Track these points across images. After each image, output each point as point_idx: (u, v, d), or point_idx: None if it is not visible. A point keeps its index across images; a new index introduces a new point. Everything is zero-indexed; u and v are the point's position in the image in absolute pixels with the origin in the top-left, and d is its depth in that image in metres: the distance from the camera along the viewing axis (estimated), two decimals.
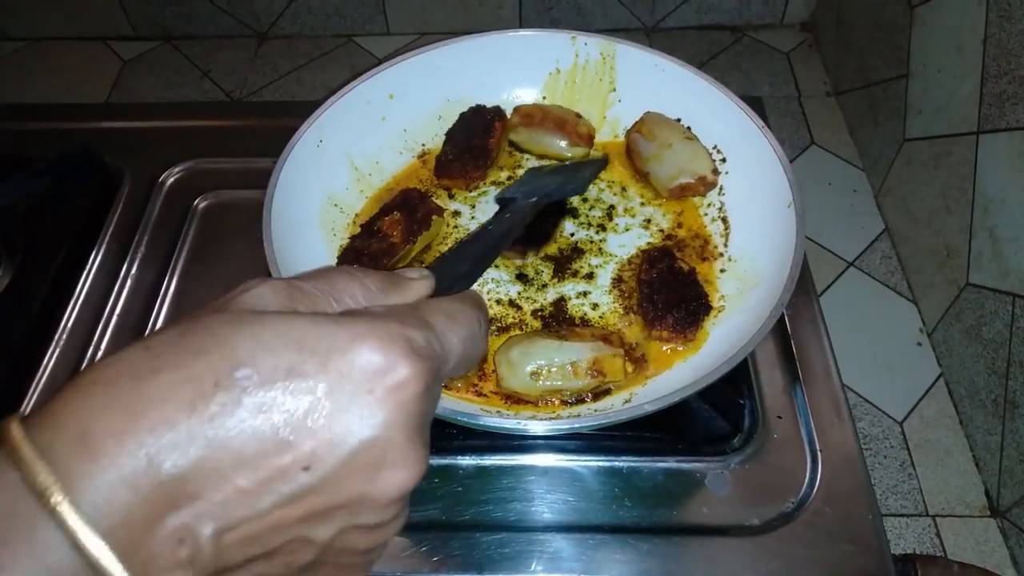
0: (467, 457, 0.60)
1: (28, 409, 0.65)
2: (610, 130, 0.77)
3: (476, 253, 0.45)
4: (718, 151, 0.70)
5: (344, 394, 0.26)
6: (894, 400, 0.87)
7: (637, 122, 0.73)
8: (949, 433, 0.84)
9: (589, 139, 0.73)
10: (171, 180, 0.81)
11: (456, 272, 0.41)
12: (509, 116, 0.75)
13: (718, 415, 0.61)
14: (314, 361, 0.26)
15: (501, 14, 1.27)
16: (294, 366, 0.25)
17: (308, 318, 0.27)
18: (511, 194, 0.63)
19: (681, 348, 0.60)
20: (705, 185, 0.68)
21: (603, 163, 0.71)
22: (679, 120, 0.72)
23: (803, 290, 0.70)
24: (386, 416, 0.26)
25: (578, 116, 0.74)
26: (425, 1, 1.26)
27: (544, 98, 0.78)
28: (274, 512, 0.25)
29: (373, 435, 0.26)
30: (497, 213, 0.55)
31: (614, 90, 0.76)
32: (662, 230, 0.69)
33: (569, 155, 0.73)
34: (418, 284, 0.34)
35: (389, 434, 0.26)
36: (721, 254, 0.67)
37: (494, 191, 0.72)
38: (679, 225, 0.69)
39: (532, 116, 0.74)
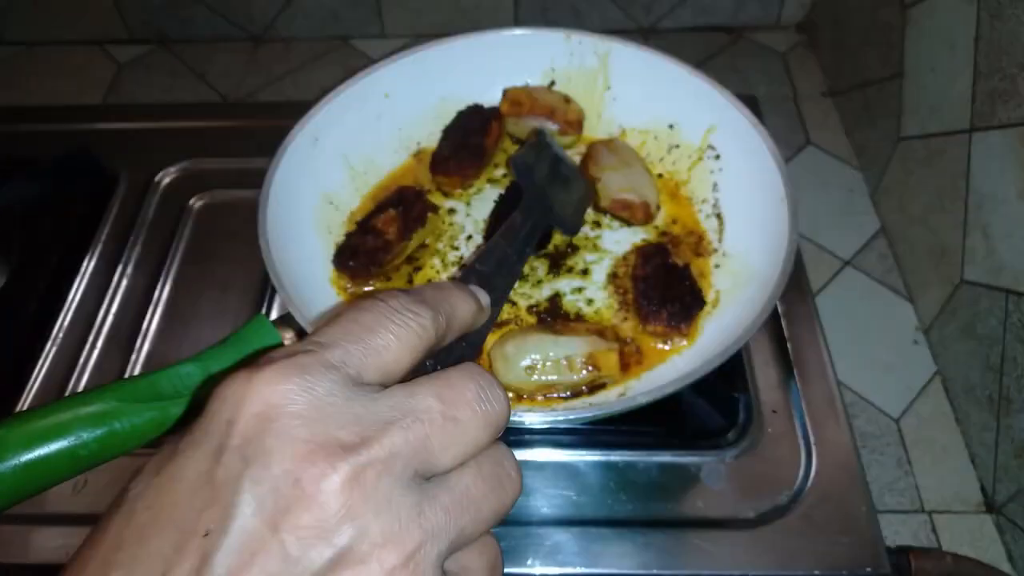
0: None
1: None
2: (605, 129, 0.77)
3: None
4: (712, 148, 0.70)
5: (210, 453, 0.24)
6: (890, 398, 0.87)
7: (607, 139, 0.73)
8: (945, 430, 0.84)
9: (579, 125, 0.74)
10: (166, 180, 0.81)
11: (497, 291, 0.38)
12: (499, 103, 0.76)
13: (713, 410, 0.62)
14: (181, 440, 0.25)
15: (497, 16, 1.27)
16: (167, 454, 0.24)
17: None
18: (523, 161, 0.60)
19: (675, 343, 0.60)
20: (645, 214, 0.68)
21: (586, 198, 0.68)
22: (671, 126, 0.73)
23: (797, 286, 0.70)
24: (255, 442, 0.23)
25: (567, 101, 0.75)
26: (421, 4, 1.26)
27: None
28: None
29: (254, 466, 0.23)
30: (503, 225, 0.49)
31: (609, 88, 0.76)
32: (656, 227, 0.69)
33: (559, 142, 0.74)
34: (476, 316, 0.31)
35: (267, 454, 0.23)
36: (715, 250, 0.67)
37: (490, 189, 0.72)
38: (674, 222, 0.70)
39: (521, 104, 0.74)
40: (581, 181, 0.65)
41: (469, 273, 0.37)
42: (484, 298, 0.32)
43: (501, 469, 0.26)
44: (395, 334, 0.26)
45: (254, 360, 0.25)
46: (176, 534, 0.22)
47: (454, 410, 0.25)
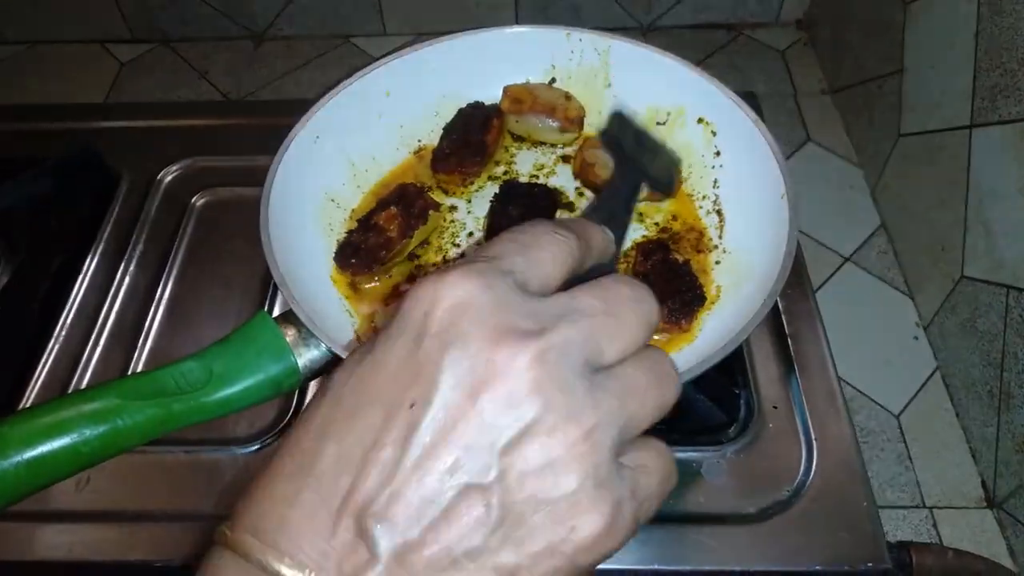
0: None
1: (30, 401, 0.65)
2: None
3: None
4: (713, 145, 0.71)
5: (410, 340, 0.27)
6: (891, 394, 0.87)
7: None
8: (946, 425, 0.84)
9: (579, 122, 0.74)
10: (168, 178, 0.82)
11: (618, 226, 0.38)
12: (500, 100, 0.76)
13: (714, 405, 0.62)
14: (380, 333, 0.28)
15: (498, 15, 1.28)
16: (370, 344, 0.28)
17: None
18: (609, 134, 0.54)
19: (675, 338, 0.60)
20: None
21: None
22: (669, 113, 0.73)
23: (798, 282, 0.71)
24: (453, 329, 0.26)
25: (568, 98, 0.75)
26: (421, 2, 1.27)
27: None
28: (418, 467, 0.25)
29: (452, 349, 0.26)
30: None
31: (609, 85, 0.76)
32: (657, 223, 0.69)
33: (560, 139, 0.74)
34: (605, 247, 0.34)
35: (465, 339, 0.26)
36: (716, 246, 0.67)
37: (491, 186, 0.73)
38: (674, 218, 0.70)
39: (521, 101, 0.74)
40: (666, 149, 0.63)
41: (590, 215, 0.38)
42: (609, 233, 0.35)
43: (661, 367, 0.29)
44: (549, 251, 0.29)
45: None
46: (383, 409, 0.26)
47: (614, 308, 0.28)
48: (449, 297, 0.26)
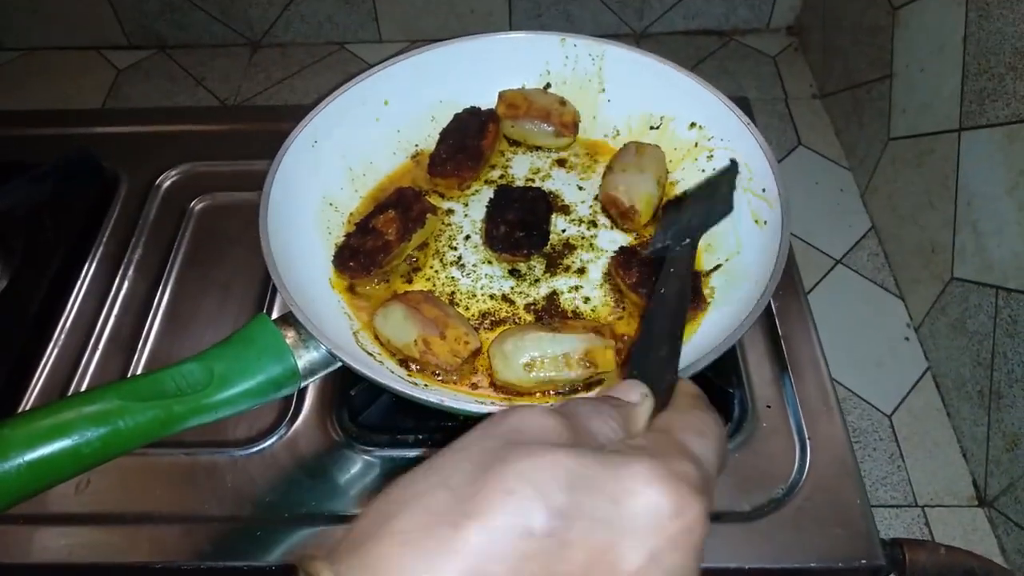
0: None
1: (30, 401, 0.65)
2: (600, 130, 0.78)
3: (667, 330, 0.43)
4: (705, 148, 0.72)
5: (641, 537, 0.26)
6: (883, 394, 0.88)
7: (647, 144, 0.73)
8: (937, 425, 0.85)
9: (574, 127, 0.75)
10: (167, 183, 0.82)
11: (659, 360, 0.40)
12: (495, 105, 0.77)
13: None
14: (612, 506, 0.26)
15: (491, 21, 1.29)
16: (595, 512, 0.26)
17: (598, 456, 0.27)
18: (661, 243, 0.57)
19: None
20: (626, 216, 0.69)
21: (734, 169, 0.62)
22: (663, 118, 0.74)
23: (790, 284, 0.71)
24: (681, 559, 0.26)
25: (562, 103, 0.76)
26: (416, 9, 1.28)
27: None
28: None
29: None
30: (660, 272, 0.50)
31: (603, 91, 0.77)
32: (647, 228, 0.70)
33: (555, 144, 0.75)
34: (643, 408, 0.34)
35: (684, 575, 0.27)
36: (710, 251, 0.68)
37: (487, 190, 0.73)
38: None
39: (517, 106, 0.75)
40: (717, 184, 0.62)
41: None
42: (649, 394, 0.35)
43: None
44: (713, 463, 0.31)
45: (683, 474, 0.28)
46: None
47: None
48: (690, 532, 0.27)
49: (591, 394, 0.38)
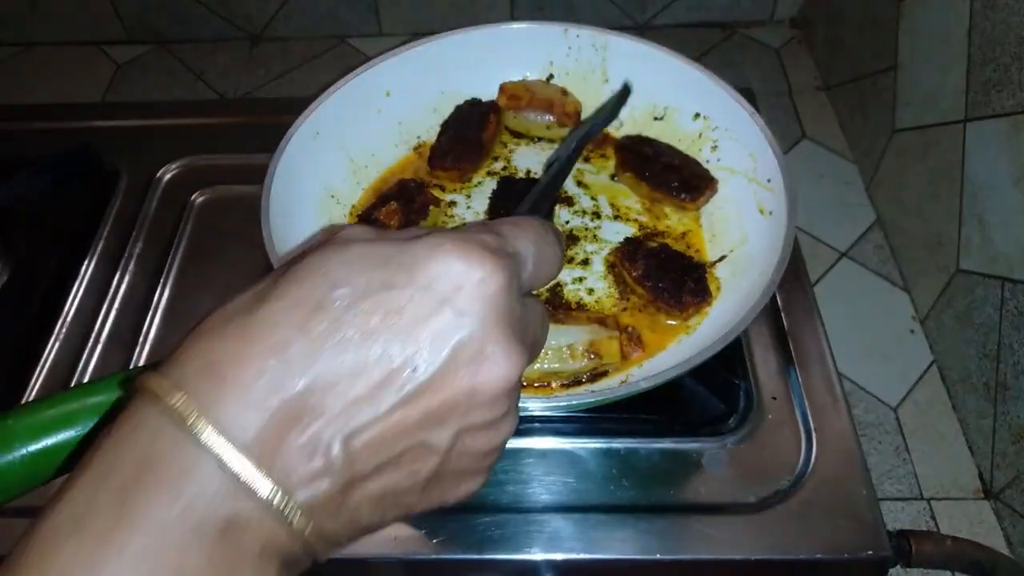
0: None
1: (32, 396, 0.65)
2: None
3: (538, 191, 0.53)
4: (710, 139, 0.71)
5: (435, 298, 0.28)
6: (888, 387, 0.88)
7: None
8: (942, 418, 0.85)
9: (576, 116, 0.75)
10: (168, 176, 0.82)
11: (524, 201, 0.50)
12: (496, 96, 0.76)
13: (714, 396, 0.62)
14: (402, 273, 0.28)
15: (492, 14, 1.28)
16: (385, 280, 0.28)
17: (390, 240, 0.30)
18: (555, 156, 0.65)
19: (675, 328, 0.61)
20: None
21: (626, 92, 0.69)
22: (666, 108, 0.73)
23: (796, 276, 0.71)
24: (476, 312, 0.28)
25: (564, 93, 0.75)
26: (417, 2, 1.27)
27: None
28: (393, 415, 0.28)
29: (469, 331, 0.28)
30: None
31: (607, 81, 0.76)
32: (641, 222, 0.70)
33: (558, 135, 0.75)
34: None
35: (484, 328, 0.28)
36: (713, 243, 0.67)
37: (490, 182, 0.73)
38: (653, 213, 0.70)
39: (519, 97, 0.75)
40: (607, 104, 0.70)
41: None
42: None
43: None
44: (549, 267, 0.35)
45: (474, 235, 0.30)
46: (384, 353, 0.27)
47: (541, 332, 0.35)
48: (484, 282, 0.29)
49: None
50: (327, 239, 0.31)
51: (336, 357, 0.27)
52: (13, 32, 1.30)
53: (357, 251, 0.29)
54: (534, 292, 0.37)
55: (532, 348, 0.33)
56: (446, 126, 0.75)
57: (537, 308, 0.34)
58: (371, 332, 0.27)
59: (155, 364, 0.28)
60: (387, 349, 0.27)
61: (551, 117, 0.74)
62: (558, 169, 0.57)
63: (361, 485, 0.28)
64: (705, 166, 0.70)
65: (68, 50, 1.31)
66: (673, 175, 0.68)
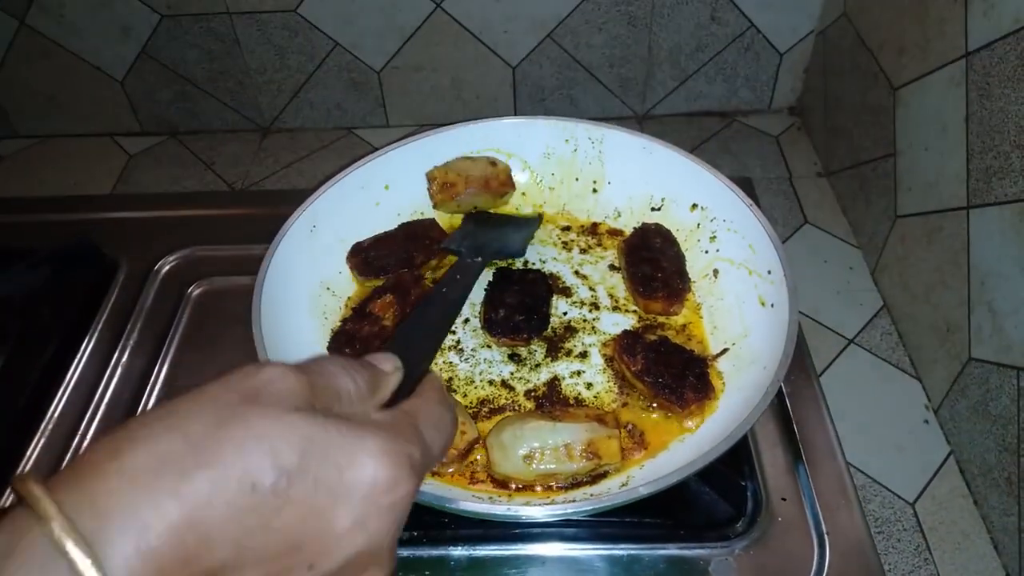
0: (459, 548, 0.57)
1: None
2: (601, 212, 0.78)
3: (435, 323, 0.50)
4: (708, 230, 0.71)
5: (354, 504, 0.29)
6: (904, 480, 0.84)
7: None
8: (964, 514, 0.81)
9: (511, 180, 0.76)
10: (166, 268, 0.82)
11: (422, 350, 0.44)
12: (428, 186, 0.76)
13: (720, 498, 0.59)
14: (336, 472, 0.28)
15: (497, 106, 1.31)
16: (319, 476, 0.28)
17: (333, 425, 0.30)
18: (456, 245, 0.69)
19: (678, 427, 0.59)
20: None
21: (538, 222, 0.76)
22: (664, 199, 0.73)
23: (801, 368, 0.69)
24: (384, 526, 0.30)
25: (493, 163, 0.75)
26: (423, 95, 1.30)
27: (539, 181, 0.79)
28: None
29: (370, 542, 0.29)
30: (447, 273, 0.63)
31: (604, 173, 0.77)
32: (638, 314, 0.69)
33: (500, 203, 0.77)
34: (393, 378, 0.36)
35: (382, 541, 0.30)
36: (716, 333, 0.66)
37: (487, 272, 0.72)
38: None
39: (454, 184, 0.74)
40: (517, 219, 0.75)
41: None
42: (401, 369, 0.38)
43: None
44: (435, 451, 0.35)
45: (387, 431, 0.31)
46: (283, 555, 0.28)
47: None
48: (404, 499, 0.30)
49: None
50: (261, 382, 0.30)
51: (248, 538, 0.27)
52: (31, 125, 1.34)
53: (302, 432, 0.28)
54: None
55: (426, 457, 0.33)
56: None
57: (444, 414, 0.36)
58: (288, 524, 0.27)
59: (59, 477, 0.27)
60: (294, 543, 0.28)
61: (491, 190, 0.75)
62: (462, 292, 0.58)
63: None
64: (704, 256, 0.69)
65: (83, 142, 1.34)
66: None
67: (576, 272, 0.72)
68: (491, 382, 0.63)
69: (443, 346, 0.66)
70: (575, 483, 0.56)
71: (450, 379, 0.64)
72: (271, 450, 0.27)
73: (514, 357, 0.65)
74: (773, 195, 1.17)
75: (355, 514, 0.29)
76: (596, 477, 0.56)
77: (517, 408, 0.61)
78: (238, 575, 0.27)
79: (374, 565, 0.30)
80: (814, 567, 0.56)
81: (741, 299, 0.65)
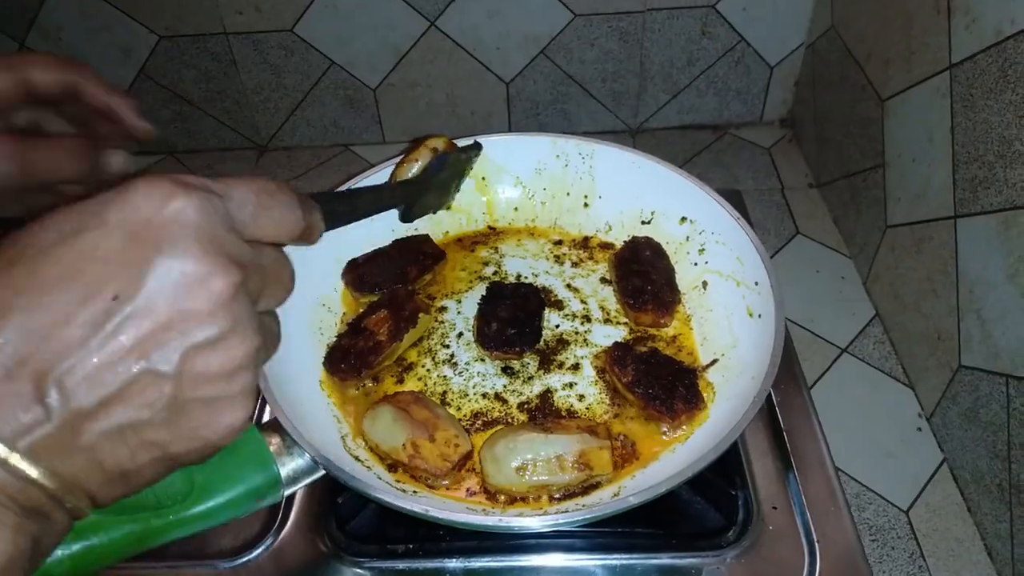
0: (455, 560, 0.58)
1: None
2: (592, 225, 0.79)
3: (359, 196, 0.57)
4: (697, 243, 0.72)
5: (127, 231, 0.29)
6: (898, 488, 0.85)
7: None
8: (958, 521, 0.81)
9: (451, 144, 0.74)
10: None
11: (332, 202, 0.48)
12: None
13: (711, 507, 0.60)
14: (92, 218, 0.29)
15: (491, 121, 1.32)
16: (76, 227, 0.29)
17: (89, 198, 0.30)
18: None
19: (668, 438, 0.59)
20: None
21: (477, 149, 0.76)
22: (653, 213, 0.75)
23: (791, 377, 0.70)
24: (170, 239, 0.29)
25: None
26: (419, 112, 1.32)
27: (531, 196, 0.80)
28: (104, 347, 0.28)
29: (166, 256, 0.29)
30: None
31: (594, 187, 0.78)
32: (628, 326, 0.70)
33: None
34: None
35: (182, 252, 0.29)
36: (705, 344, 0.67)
37: (480, 286, 0.73)
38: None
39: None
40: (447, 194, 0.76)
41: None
42: (321, 223, 0.38)
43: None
44: (278, 219, 0.35)
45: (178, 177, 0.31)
46: (83, 291, 0.28)
47: (280, 270, 0.36)
48: (176, 211, 0.30)
49: None
50: None
51: (35, 303, 0.28)
52: None
53: (50, 214, 0.30)
54: None
55: (262, 284, 0.33)
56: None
57: (272, 254, 0.35)
58: (66, 274, 0.28)
59: None
60: (86, 286, 0.28)
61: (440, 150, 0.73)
62: (375, 199, 0.61)
63: (89, 423, 0.29)
64: (693, 269, 0.70)
65: None
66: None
67: (568, 285, 0.73)
68: (485, 395, 0.64)
69: (437, 360, 0.67)
70: (568, 494, 0.56)
71: (444, 392, 0.64)
72: (19, 234, 0.29)
73: (507, 370, 0.66)
74: (765, 206, 1.18)
75: (131, 240, 0.29)
76: (588, 488, 0.57)
77: (510, 420, 0.62)
78: (41, 339, 0.28)
79: (194, 277, 0.30)
80: (805, 574, 0.56)
81: (730, 310, 0.66)
